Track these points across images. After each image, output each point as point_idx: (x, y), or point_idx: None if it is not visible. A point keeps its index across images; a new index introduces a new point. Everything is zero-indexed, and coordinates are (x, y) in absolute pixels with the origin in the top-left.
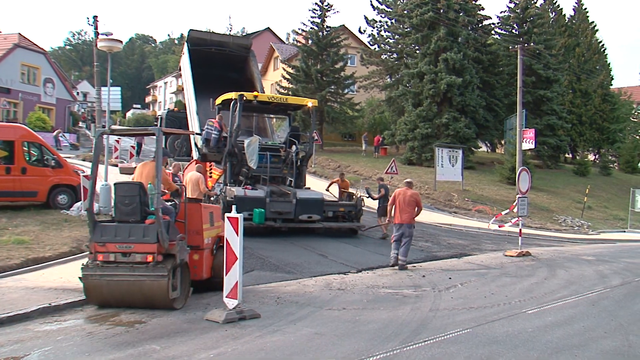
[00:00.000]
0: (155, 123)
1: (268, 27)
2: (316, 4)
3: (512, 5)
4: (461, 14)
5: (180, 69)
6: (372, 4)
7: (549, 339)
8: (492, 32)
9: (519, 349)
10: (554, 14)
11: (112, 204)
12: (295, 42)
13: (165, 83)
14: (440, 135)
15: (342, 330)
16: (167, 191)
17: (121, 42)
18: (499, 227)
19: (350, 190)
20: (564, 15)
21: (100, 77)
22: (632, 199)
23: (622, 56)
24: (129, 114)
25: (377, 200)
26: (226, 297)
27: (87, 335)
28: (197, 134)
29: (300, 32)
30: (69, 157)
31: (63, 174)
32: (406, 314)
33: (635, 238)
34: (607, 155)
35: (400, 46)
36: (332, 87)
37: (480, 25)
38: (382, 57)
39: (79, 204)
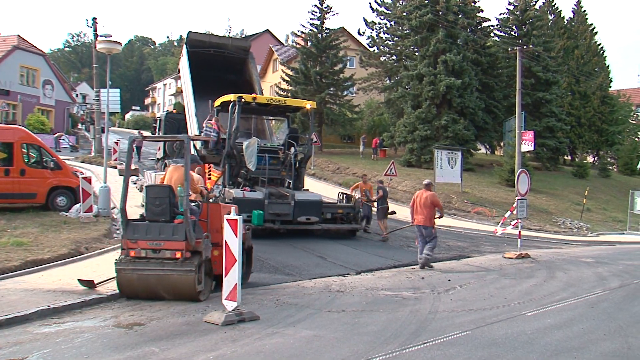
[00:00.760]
0: (154, 125)
1: (267, 29)
2: (315, 6)
3: (511, 8)
4: (460, 16)
5: (179, 71)
6: (371, 6)
7: (548, 341)
8: (491, 34)
9: (518, 351)
10: (553, 16)
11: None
12: (294, 44)
13: (165, 85)
14: (440, 137)
15: (341, 333)
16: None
17: (120, 44)
18: (503, 230)
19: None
20: (563, 17)
21: (100, 79)
22: (631, 201)
23: (621, 58)
24: (128, 116)
25: (376, 202)
26: (225, 299)
27: (86, 337)
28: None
29: (299, 34)
30: (67, 159)
31: (62, 176)
32: (405, 316)
33: (634, 240)
34: (606, 157)
35: (399, 48)
36: (331, 89)
37: (479, 27)
38: (381, 59)
39: (78, 205)
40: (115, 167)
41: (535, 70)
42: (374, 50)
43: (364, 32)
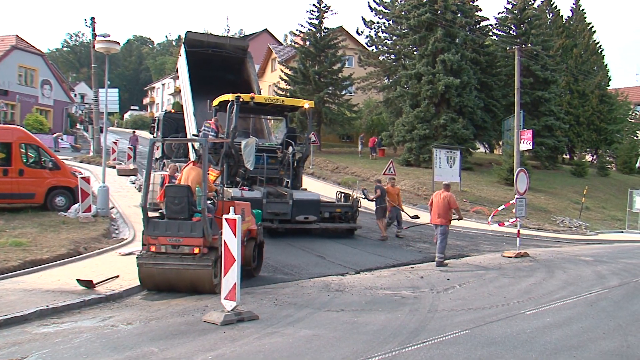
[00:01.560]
0: (153, 125)
1: (266, 29)
2: (314, 5)
3: (509, 7)
4: (459, 15)
5: (177, 71)
6: (369, 6)
7: (547, 340)
8: (490, 33)
9: (518, 350)
10: (551, 15)
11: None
12: (292, 44)
13: (163, 85)
14: (438, 136)
15: (340, 332)
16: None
17: (119, 43)
18: (499, 225)
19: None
20: (562, 16)
21: (98, 79)
22: (630, 200)
23: (619, 57)
24: (126, 116)
25: (375, 202)
26: (224, 298)
27: (85, 337)
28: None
29: (297, 33)
30: (66, 159)
31: (61, 176)
32: (404, 315)
33: (633, 238)
34: (604, 156)
35: (397, 47)
36: (330, 88)
37: (477, 26)
38: (379, 58)
39: (76, 205)
40: (114, 167)
41: (533, 69)
42: (373, 50)
43: (362, 32)
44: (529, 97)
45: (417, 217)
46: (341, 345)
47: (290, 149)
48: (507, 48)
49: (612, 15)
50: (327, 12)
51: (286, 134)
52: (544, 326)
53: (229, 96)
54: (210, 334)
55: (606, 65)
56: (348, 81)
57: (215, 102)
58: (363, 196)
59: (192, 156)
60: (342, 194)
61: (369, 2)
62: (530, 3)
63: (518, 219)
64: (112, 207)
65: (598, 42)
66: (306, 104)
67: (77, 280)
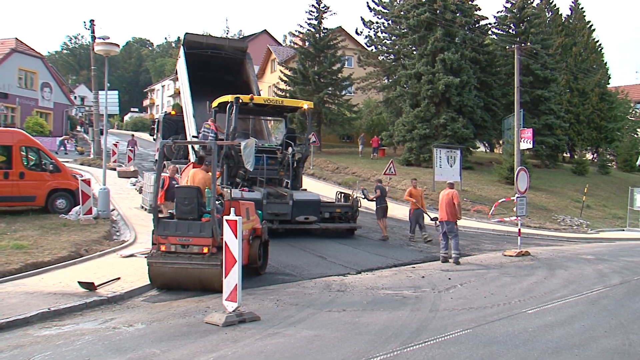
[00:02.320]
0: (153, 126)
1: (265, 30)
2: (313, 5)
3: (508, 5)
4: (458, 15)
5: (176, 73)
6: (368, 6)
7: (549, 339)
8: (489, 32)
9: (520, 349)
10: (550, 13)
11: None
12: (292, 44)
13: (163, 86)
14: (438, 135)
15: (342, 332)
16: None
17: (118, 45)
18: (500, 220)
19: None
20: (561, 14)
21: (98, 81)
22: (631, 198)
23: (619, 55)
24: (126, 118)
25: (375, 202)
26: (226, 300)
27: (87, 340)
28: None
29: (297, 34)
30: (67, 162)
31: (61, 179)
32: (406, 315)
33: (634, 237)
34: (605, 154)
35: (397, 47)
36: (330, 88)
37: (477, 25)
38: (379, 58)
39: (77, 208)
40: (115, 169)
41: (533, 68)
42: (372, 50)
43: (361, 32)
44: (528, 95)
45: (436, 218)
46: (343, 345)
47: (290, 149)
48: (507, 47)
49: (611, 13)
50: (326, 12)
51: (286, 134)
52: (545, 325)
53: (228, 97)
54: (212, 335)
55: (606, 63)
56: (348, 81)
57: (215, 104)
58: (363, 196)
59: (191, 158)
60: (342, 194)
61: (368, 2)
62: (529, 2)
63: (519, 218)
64: (113, 209)
65: (597, 40)
66: (305, 105)
67: (79, 282)
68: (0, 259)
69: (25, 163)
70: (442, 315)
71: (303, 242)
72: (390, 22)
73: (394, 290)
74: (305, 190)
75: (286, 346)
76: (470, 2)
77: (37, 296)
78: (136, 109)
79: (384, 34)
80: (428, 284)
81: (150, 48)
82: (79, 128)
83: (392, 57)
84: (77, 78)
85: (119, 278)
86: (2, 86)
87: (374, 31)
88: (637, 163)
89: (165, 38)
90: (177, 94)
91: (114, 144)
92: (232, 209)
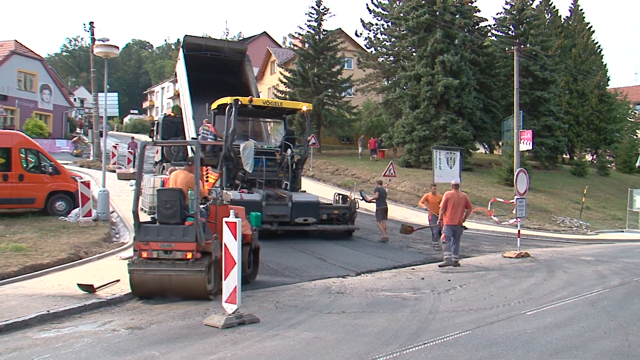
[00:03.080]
0: (152, 128)
1: (265, 31)
2: (313, 7)
3: (508, 7)
4: (457, 16)
5: (176, 75)
6: (368, 7)
7: (548, 340)
8: (489, 34)
9: (519, 351)
10: (549, 15)
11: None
12: (292, 46)
13: (163, 88)
14: (438, 137)
15: (341, 334)
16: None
17: (118, 47)
18: (498, 222)
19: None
20: (560, 16)
21: (97, 83)
22: (630, 199)
23: (618, 56)
24: (126, 120)
25: (375, 203)
26: (225, 302)
27: (86, 342)
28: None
29: (297, 35)
30: (66, 164)
31: (61, 181)
32: (405, 317)
33: (634, 238)
34: (604, 155)
35: (396, 49)
36: (329, 90)
37: (476, 27)
38: (378, 60)
39: (76, 210)
40: (114, 171)
41: (532, 70)
42: (372, 51)
43: (361, 34)
44: (528, 97)
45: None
46: (342, 347)
47: (289, 151)
48: (506, 48)
49: (611, 14)
50: (325, 14)
51: (285, 136)
52: (545, 326)
53: (227, 99)
54: (211, 338)
55: (605, 64)
56: (347, 83)
57: (214, 106)
58: (361, 197)
59: None
60: (340, 196)
61: (367, 4)
62: (528, 3)
63: (518, 220)
64: (113, 211)
65: (597, 42)
66: (304, 107)
67: (78, 284)
68: (0, 262)
69: (25, 165)
70: (442, 317)
71: (303, 244)
72: (389, 23)
73: (393, 291)
74: (305, 192)
75: (286, 348)
76: (469, 4)
77: (36, 298)
78: (136, 111)
79: (383, 36)
80: (427, 286)
81: (149, 50)
82: (78, 130)
83: (391, 58)
84: (76, 80)
85: (118, 280)
86: (1, 88)
87: (374, 33)
88: (637, 164)
89: (165, 40)
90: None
91: (114, 146)
92: (232, 211)
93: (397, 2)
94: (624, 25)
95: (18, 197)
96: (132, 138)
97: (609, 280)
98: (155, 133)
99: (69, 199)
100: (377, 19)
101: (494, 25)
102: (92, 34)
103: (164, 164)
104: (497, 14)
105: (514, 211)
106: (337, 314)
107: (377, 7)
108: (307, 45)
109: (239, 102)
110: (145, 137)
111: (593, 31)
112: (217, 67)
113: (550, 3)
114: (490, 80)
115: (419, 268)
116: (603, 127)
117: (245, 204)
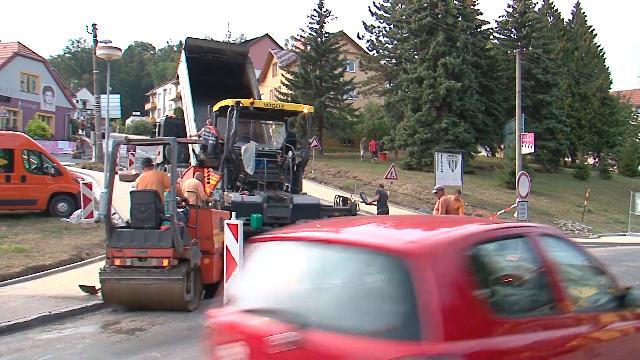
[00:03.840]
0: (154, 130)
1: (267, 34)
2: (315, 10)
3: (510, 10)
4: (459, 19)
5: (178, 77)
6: (370, 10)
7: None
8: (491, 36)
9: None
10: (552, 18)
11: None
12: (294, 48)
13: (165, 90)
14: (440, 140)
15: None
16: (179, 198)
17: (120, 49)
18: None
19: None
20: (562, 19)
21: (100, 85)
22: (632, 203)
23: (621, 60)
24: (128, 121)
25: (376, 206)
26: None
27: (87, 343)
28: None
29: (299, 38)
30: (68, 165)
31: (63, 182)
32: None
33: (636, 241)
34: (606, 158)
35: (398, 51)
36: (331, 92)
37: (478, 30)
38: (380, 62)
39: (78, 211)
40: (116, 173)
41: (535, 73)
42: (374, 54)
43: (363, 36)
44: (530, 100)
45: None
46: None
47: (290, 153)
48: (508, 51)
49: (613, 17)
50: (328, 16)
51: (286, 138)
52: None
53: (229, 101)
54: None
55: (607, 67)
56: (349, 85)
57: (216, 108)
58: (361, 200)
59: (192, 161)
60: (340, 198)
61: (369, 7)
62: (531, 6)
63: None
64: (115, 213)
65: (599, 45)
66: (305, 109)
67: (80, 286)
68: (2, 263)
69: (27, 166)
70: None
71: None
72: (391, 26)
73: None
74: (306, 194)
75: None
76: (471, 7)
77: (37, 300)
78: (138, 113)
79: (385, 38)
80: None
81: (152, 52)
82: (80, 132)
83: (393, 61)
84: (79, 82)
85: None
86: (4, 90)
87: (376, 35)
88: (639, 168)
89: (167, 42)
90: (178, 97)
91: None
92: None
93: (399, 5)
94: (627, 29)
95: (20, 198)
96: (126, 137)
97: None
98: (157, 135)
99: (71, 200)
100: (379, 22)
101: (496, 28)
102: (95, 36)
103: (166, 166)
104: (499, 17)
105: (515, 214)
106: None
107: (379, 10)
108: (309, 47)
109: (241, 104)
110: (134, 138)
111: (595, 34)
112: (219, 69)
113: (552, 6)
114: (492, 83)
115: None
116: (605, 130)
117: (246, 206)
